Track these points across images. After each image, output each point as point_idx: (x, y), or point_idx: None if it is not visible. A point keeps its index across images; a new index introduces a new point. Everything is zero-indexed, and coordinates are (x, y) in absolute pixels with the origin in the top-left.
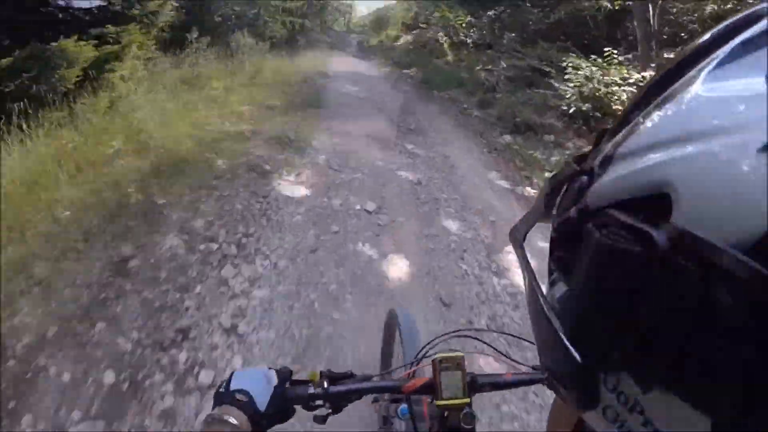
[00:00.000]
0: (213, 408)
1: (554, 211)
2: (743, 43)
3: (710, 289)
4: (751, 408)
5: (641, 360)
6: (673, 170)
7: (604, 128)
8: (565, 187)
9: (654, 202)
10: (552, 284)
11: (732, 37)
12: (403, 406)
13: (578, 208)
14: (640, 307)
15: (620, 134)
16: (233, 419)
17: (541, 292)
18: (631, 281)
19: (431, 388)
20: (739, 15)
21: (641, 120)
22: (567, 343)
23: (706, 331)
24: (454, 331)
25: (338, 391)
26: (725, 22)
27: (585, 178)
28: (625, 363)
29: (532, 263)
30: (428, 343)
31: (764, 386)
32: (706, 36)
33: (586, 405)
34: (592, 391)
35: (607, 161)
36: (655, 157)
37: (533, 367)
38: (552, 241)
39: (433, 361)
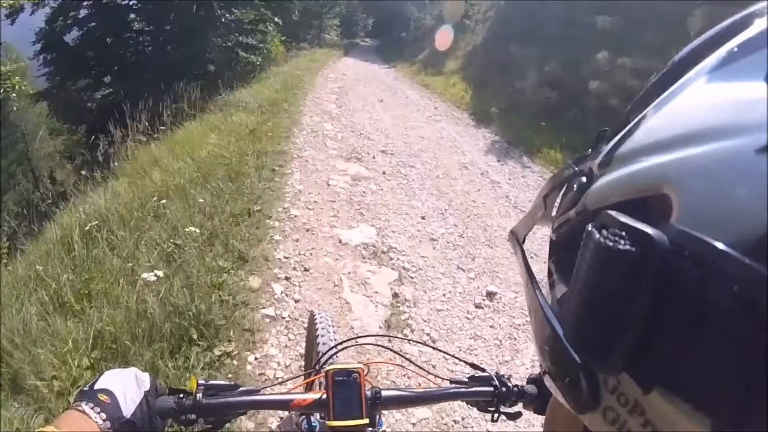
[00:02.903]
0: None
1: (553, 213)
2: (742, 44)
3: (710, 289)
4: (751, 408)
5: (641, 361)
6: (673, 171)
7: (603, 129)
8: (564, 188)
9: (653, 203)
10: (552, 285)
11: (731, 38)
12: (313, 419)
13: (578, 209)
14: (640, 308)
15: (619, 135)
16: (95, 415)
17: (541, 294)
18: (630, 282)
19: (324, 406)
20: (738, 16)
21: (641, 121)
22: (566, 345)
23: (706, 331)
24: (364, 336)
25: (213, 404)
26: (724, 23)
27: (584, 179)
28: (625, 364)
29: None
30: (330, 349)
31: (764, 386)
32: (706, 37)
33: (585, 406)
34: (591, 392)
35: (607, 162)
36: (654, 158)
37: (452, 381)
38: (552, 243)
39: (326, 373)
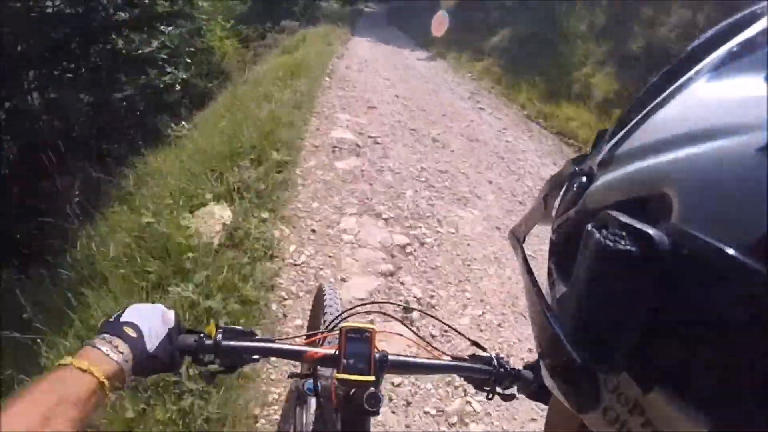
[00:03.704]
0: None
1: (554, 212)
2: (743, 43)
3: (710, 289)
4: (751, 408)
5: (641, 361)
6: (673, 170)
7: (603, 129)
8: (564, 187)
9: (654, 202)
10: (552, 285)
11: (731, 37)
12: (310, 381)
13: (577, 208)
14: (640, 308)
15: (620, 135)
16: (114, 353)
17: (541, 294)
18: (630, 282)
19: (335, 360)
20: (739, 15)
21: (641, 120)
22: (566, 345)
23: (706, 331)
24: (375, 302)
25: (231, 347)
26: (724, 22)
27: (584, 178)
28: (625, 364)
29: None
30: (345, 310)
31: (764, 387)
32: (706, 36)
33: (586, 406)
34: (591, 392)
35: (607, 162)
36: (654, 158)
37: (453, 357)
38: (552, 242)
39: (341, 329)
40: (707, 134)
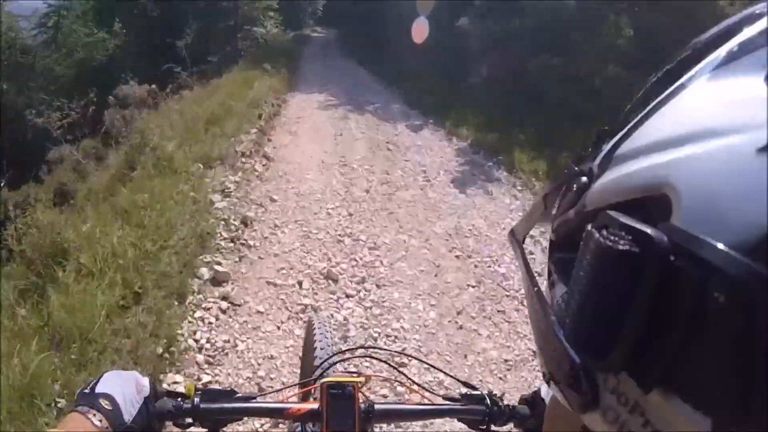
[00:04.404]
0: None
1: (553, 212)
2: (742, 44)
3: (710, 290)
4: (751, 408)
5: (641, 361)
6: (673, 171)
7: (603, 129)
8: (564, 188)
9: (653, 203)
10: (551, 285)
11: (731, 37)
12: (299, 429)
13: (577, 209)
14: (640, 309)
15: (619, 135)
16: (96, 420)
17: (541, 294)
18: (630, 282)
19: (318, 416)
20: (738, 15)
21: (640, 121)
22: (566, 345)
23: (706, 331)
24: (361, 347)
25: (210, 409)
26: (724, 22)
27: (584, 179)
28: (625, 364)
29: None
30: (325, 360)
31: (764, 387)
32: (705, 36)
33: (585, 407)
34: (591, 392)
35: (607, 162)
36: (654, 158)
37: (445, 397)
38: (551, 243)
39: (321, 385)
40: (707, 134)
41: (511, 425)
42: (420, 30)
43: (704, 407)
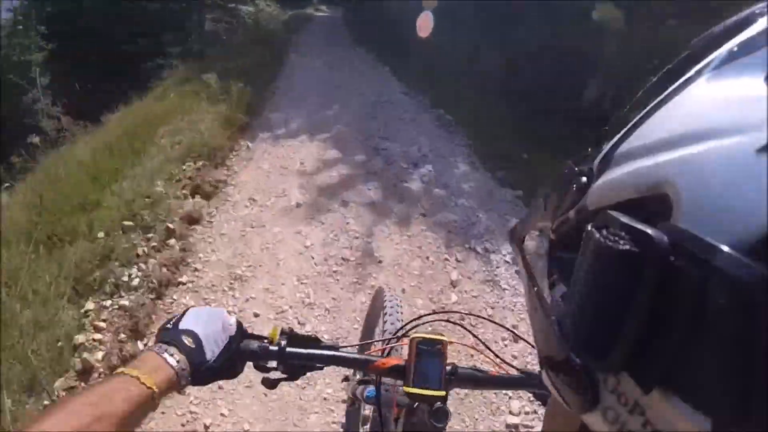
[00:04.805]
0: (155, 345)
1: (554, 212)
2: (742, 44)
3: (710, 289)
4: (751, 408)
5: (641, 361)
6: (673, 171)
7: (603, 129)
8: (564, 188)
9: (654, 203)
10: (552, 285)
11: (731, 38)
12: (371, 388)
13: (578, 209)
14: (640, 309)
15: (619, 135)
16: (170, 362)
17: (541, 294)
18: (630, 282)
19: (403, 372)
20: (738, 15)
21: (640, 121)
22: (567, 345)
23: (706, 331)
24: (441, 312)
25: (295, 354)
26: (724, 23)
27: (584, 179)
28: (625, 364)
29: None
30: (413, 320)
31: (764, 387)
32: (706, 36)
33: (585, 406)
34: (591, 392)
35: (607, 162)
36: (654, 158)
37: (520, 371)
38: (552, 243)
39: (411, 339)
40: (707, 134)
41: None
42: (425, 23)
43: (704, 407)
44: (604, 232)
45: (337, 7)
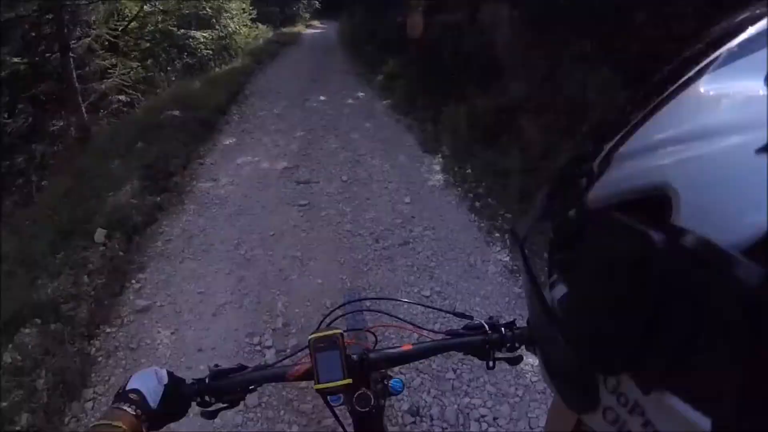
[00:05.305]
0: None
1: (554, 212)
2: (742, 44)
3: (710, 289)
4: (751, 408)
5: (641, 361)
6: (673, 171)
7: (603, 129)
8: (564, 188)
9: (653, 203)
10: (552, 286)
11: (731, 38)
12: (335, 396)
13: (578, 209)
14: (639, 309)
15: (620, 135)
16: (119, 422)
17: (541, 294)
18: (630, 282)
19: (312, 373)
20: (738, 15)
21: (641, 121)
22: (567, 345)
23: (705, 331)
24: (334, 309)
25: (221, 385)
26: (725, 23)
27: (584, 179)
28: (625, 364)
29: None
30: (323, 320)
31: (764, 386)
32: (706, 36)
33: (585, 406)
34: (592, 392)
35: (607, 162)
36: (654, 158)
37: (446, 333)
38: (552, 243)
39: (308, 341)
40: (707, 134)
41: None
42: (415, 23)
43: (704, 407)
44: (604, 232)
45: (332, 21)
